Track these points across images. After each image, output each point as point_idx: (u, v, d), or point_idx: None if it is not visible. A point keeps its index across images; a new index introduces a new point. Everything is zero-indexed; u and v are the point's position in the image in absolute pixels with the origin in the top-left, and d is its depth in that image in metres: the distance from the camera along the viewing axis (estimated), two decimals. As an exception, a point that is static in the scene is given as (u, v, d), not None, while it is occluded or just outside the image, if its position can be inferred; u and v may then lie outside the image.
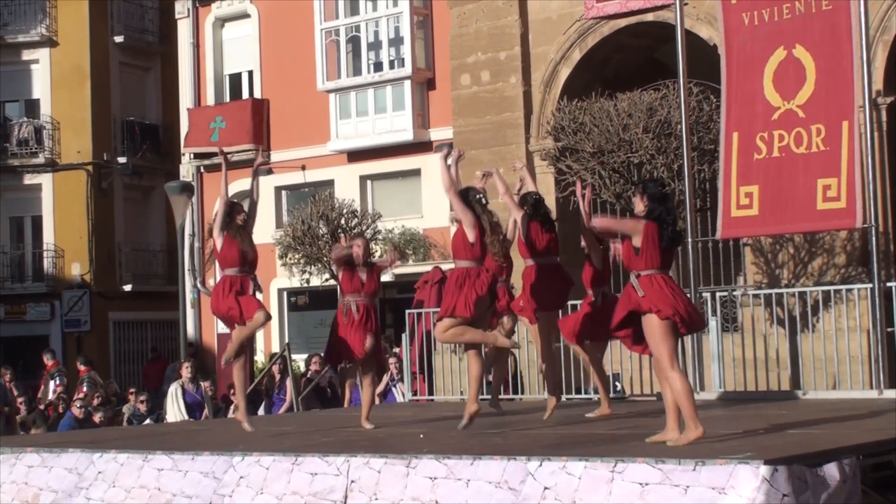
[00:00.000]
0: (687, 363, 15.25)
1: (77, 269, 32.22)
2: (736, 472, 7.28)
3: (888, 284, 14.51)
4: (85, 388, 21.61)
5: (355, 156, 26.44)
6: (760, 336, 15.95)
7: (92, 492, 9.70)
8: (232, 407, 17.56)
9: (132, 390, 20.70)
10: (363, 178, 26.57)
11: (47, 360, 23.45)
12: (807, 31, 14.75)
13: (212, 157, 28.33)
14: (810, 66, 14.73)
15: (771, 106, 14.94)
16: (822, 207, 14.54)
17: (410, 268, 25.09)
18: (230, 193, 11.83)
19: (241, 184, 28.15)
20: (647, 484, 7.50)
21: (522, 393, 16.75)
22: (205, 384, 18.46)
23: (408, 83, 25.42)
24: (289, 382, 18.50)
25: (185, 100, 29.36)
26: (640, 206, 9.05)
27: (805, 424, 10.33)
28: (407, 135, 25.45)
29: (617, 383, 15.64)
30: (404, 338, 18.31)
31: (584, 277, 11.95)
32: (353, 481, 8.56)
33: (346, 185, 26.00)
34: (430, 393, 17.28)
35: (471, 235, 10.37)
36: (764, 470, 7.23)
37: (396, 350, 19.41)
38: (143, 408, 18.80)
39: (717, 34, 16.97)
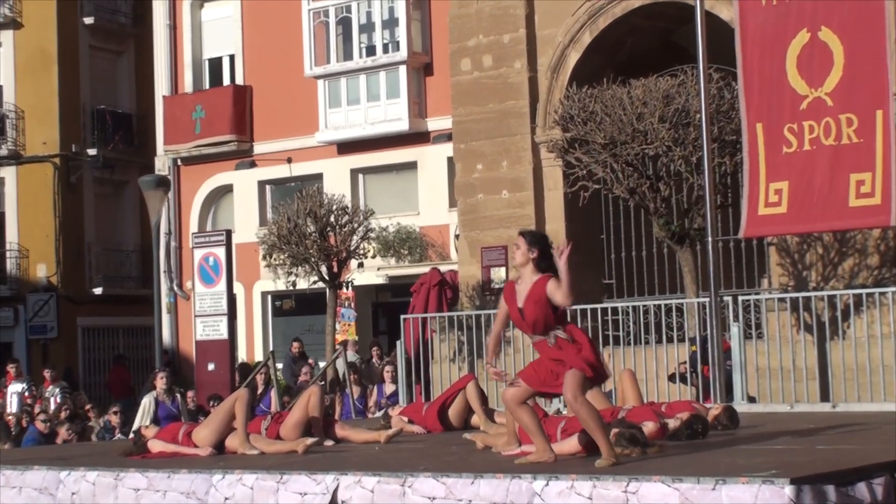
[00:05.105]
0: (709, 373, 15.27)
1: (43, 270, 32.21)
2: (761, 492, 7.27)
3: (925, 287, 14.53)
4: (58, 400, 21.61)
5: (346, 147, 26.47)
6: (786, 343, 15.96)
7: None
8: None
9: (88, 406, 20.54)
10: (354, 172, 26.60)
11: (10, 370, 23.48)
12: (833, 11, 14.71)
13: (189, 149, 28.38)
14: (838, 50, 14.70)
15: (798, 94, 14.93)
16: (854, 204, 14.54)
17: (406, 269, 25.11)
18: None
19: (222, 177, 28.30)
20: (667, 506, 7.49)
21: None
22: (188, 395, 18.46)
23: (403, 68, 25.44)
24: (273, 393, 18.51)
25: (161, 87, 29.36)
26: (528, 255, 8.92)
27: (834, 440, 10.34)
28: (402, 125, 25.47)
29: None
30: (399, 344, 18.29)
31: None
32: (342, 502, 8.55)
33: (336, 179, 26.03)
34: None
35: None
36: (789, 490, 7.22)
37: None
38: (115, 420, 18.62)
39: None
